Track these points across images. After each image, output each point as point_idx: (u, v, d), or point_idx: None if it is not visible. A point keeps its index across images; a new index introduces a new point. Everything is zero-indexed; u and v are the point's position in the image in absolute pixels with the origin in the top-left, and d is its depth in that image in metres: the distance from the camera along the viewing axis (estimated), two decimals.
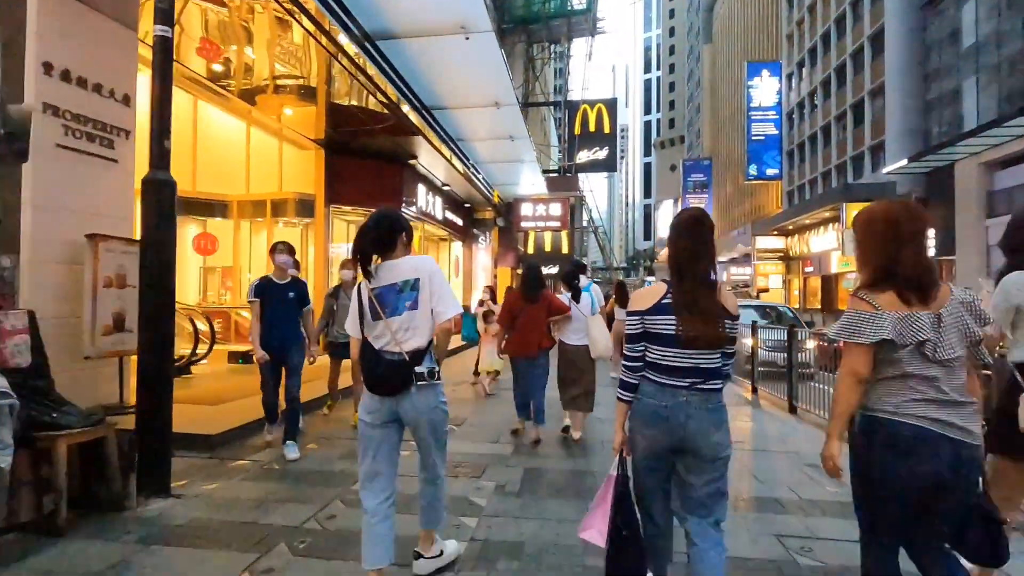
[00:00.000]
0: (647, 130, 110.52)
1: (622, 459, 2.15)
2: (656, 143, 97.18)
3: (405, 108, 8.38)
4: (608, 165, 19.34)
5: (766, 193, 45.57)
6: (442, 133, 10.19)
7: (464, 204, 16.23)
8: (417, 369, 2.36)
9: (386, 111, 8.43)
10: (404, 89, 8.14)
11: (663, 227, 76.29)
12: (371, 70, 7.28)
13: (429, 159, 11.55)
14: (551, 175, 19.44)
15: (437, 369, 2.46)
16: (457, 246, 17.31)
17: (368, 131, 8.98)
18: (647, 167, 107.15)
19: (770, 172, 40.71)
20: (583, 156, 19.17)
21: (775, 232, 36.64)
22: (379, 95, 7.82)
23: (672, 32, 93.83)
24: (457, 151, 11.87)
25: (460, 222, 16.43)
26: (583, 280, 5.32)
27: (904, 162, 22.34)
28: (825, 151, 33.97)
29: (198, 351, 7.65)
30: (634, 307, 2.09)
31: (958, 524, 1.76)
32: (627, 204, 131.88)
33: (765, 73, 40.72)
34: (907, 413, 1.73)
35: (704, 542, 2.01)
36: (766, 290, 37.00)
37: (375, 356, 2.39)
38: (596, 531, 2.09)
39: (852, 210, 25.47)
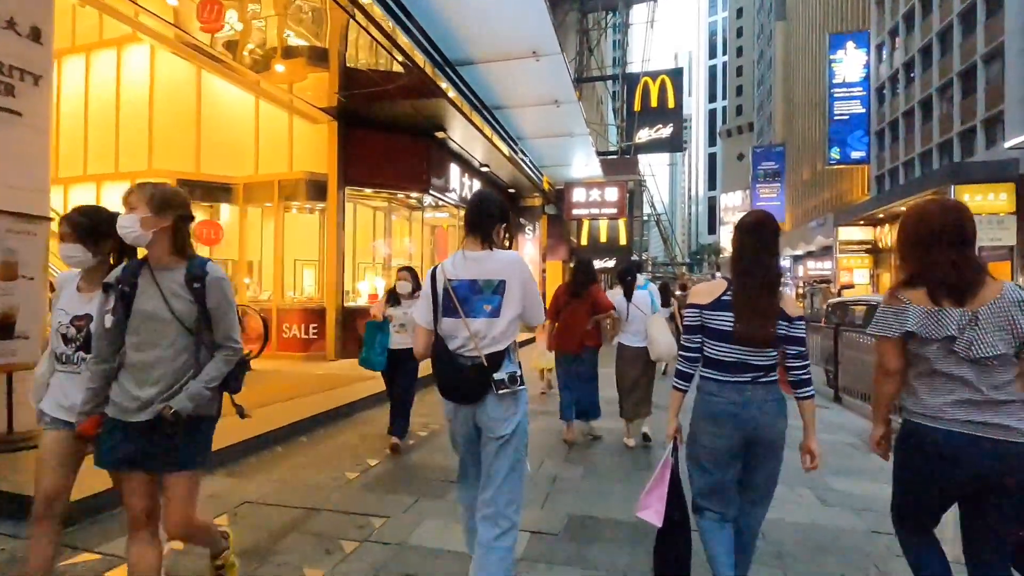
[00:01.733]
0: (711, 119, 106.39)
1: (675, 446, 2.24)
2: (722, 131, 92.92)
3: (422, 60, 6.83)
4: (673, 144, 17.14)
5: (850, 179, 41.34)
6: (470, 95, 8.57)
7: (508, 189, 14.60)
8: (496, 376, 2.07)
9: (402, 69, 6.93)
10: (418, 35, 6.59)
11: (729, 220, 72.65)
12: (378, 13, 5.78)
13: (463, 134, 10.00)
14: (608, 158, 17.49)
15: (519, 373, 2.14)
16: None
17: (384, 92, 7.48)
18: (711, 158, 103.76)
19: (855, 155, 36.73)
20: (644, 135, 17.06)
21: (862, 222, 32.80)
22: (395, 52, 6.33)
23: (740, 13, 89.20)
24: (492, 121, 10.25)
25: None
26: (640, 279, 5.07)
27: None
28: (924, 128, 29.93)
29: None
30: (694, 300, 2.19)
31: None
32: (689, 197, 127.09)
33: (850, 45, 36.71)
34: (938, 417, 1.75)
35: (753, 520, 2.19)
36: (851, 286, 33.38)
37: (448, 357, 2.13)
38: (653, 511, 2.19)
39: (962, 193, 21.91)
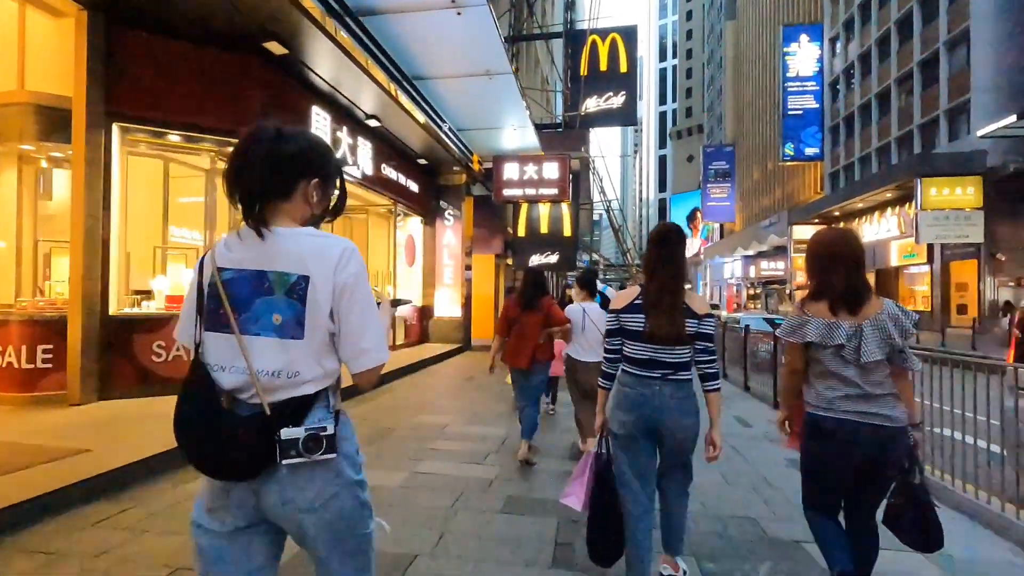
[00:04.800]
0: (662, 121, 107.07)
1: (602, 439, 2.45)
2: (672, 133, 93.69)
3: None
4: (625, 116, 14.35)
5: (801, 177, 40.41)
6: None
7: (420, 160, 11.38)
8: (286, 432, 1.16)
9: None
10: None
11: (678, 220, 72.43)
12: None
13: (331, 62, 6.77)
14: (549, 132, 14.54)
15: (332, 432, 1.20)
16: (413, 224, 12.44)
17: None
18: (662, 160, 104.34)
19: (809, 151, 35.71)
20: (592, 104, 14.20)
21: (816, 220, 31.57)
22: None
23: (690, 15, 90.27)
24: (368, 43, 7.05)
25: (415, 188, 11.56)
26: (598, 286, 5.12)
27: (1011, 119, 17.11)
28: (882, 121, 28.70)
29: None
30: (612, 306, 2.43)
31: (896, 509, 2.15)
32: (640, 199, 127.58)
33: (803, 38, 35.65)
34: (831, 408, 2.10)
35: (674, 504, 2.48)
36: (805, 286, 32.18)
37: (207, 399, 1.19)
38: (575, 498, 2.45)
39: (929, 187, 20.39)
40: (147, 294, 6.31)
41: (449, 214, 12.73)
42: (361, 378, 1.28)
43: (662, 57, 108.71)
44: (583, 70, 14.32)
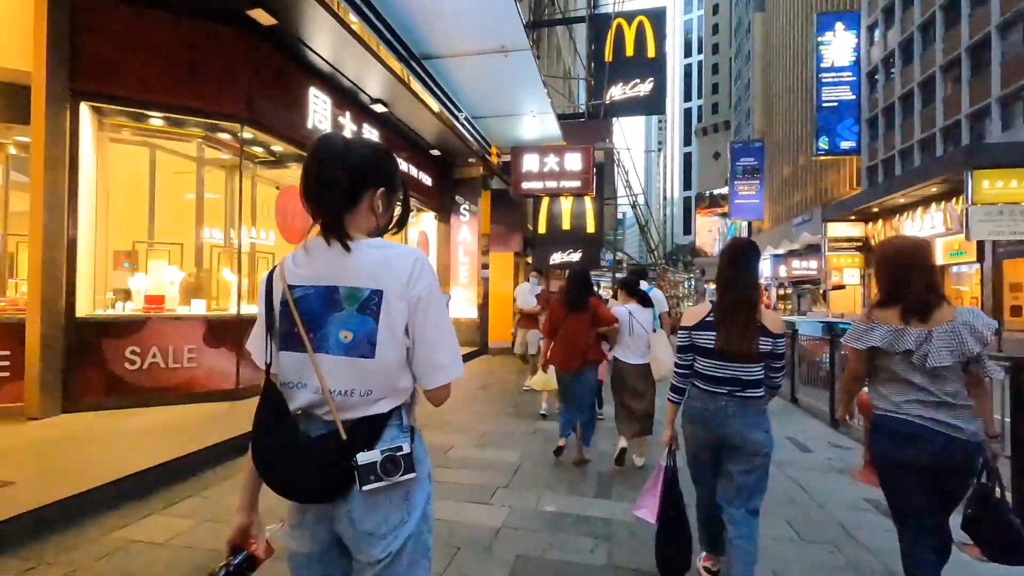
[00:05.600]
0: (687, 118, 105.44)
1: (671, 451, 2.46)
2: (697, 130, 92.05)
3: None
4: (653, 104, 13.41)
5: (836, 172, 38.72)
6: None
7: (432, 151, 10.67)
8: (363, 457, 1.12)
9: None
10: None
11: (703, 220, 71.15)
12: None
13: (331, 38, 6.10)
14: (571, 121, 13.71)
15: (408, 451, 1.17)
16: (426, 220, 11.74)
17: None
18: (687, 157, 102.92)
19: (845, 145, 34.00)
20: (617, 92, 13.32)
21: (853, 217, 30.08)
22: None
23: (716, 9, 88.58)
24: (377, 23, 6.35)
25: (428, 181, 10.86)
26: (644, 285, 4.94)
27: None
28: (925, 112, 27.08)
29: None
30: (684, 323, 2.44)
31: (974, 519, 2.08)
32: (665, 198, 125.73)
33: (839, 27, 33.93)
34: (897, 410, 2.10)
35: (739, 529, 2.29)
36: (841, 286, 30.69)
37: (280, 422, 1.17)
38: (647, 510, 2.45)
39: (981, 179, 18.94)
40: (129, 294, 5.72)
41: (465, 209, 12.00)
42: (436, 394, 1.23)
43: (687, 53, 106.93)
44: (608, 56, 13.44)
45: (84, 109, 5.09)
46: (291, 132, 6.51)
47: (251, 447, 1.18)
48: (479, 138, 10.89)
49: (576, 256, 13.84)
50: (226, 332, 5.70)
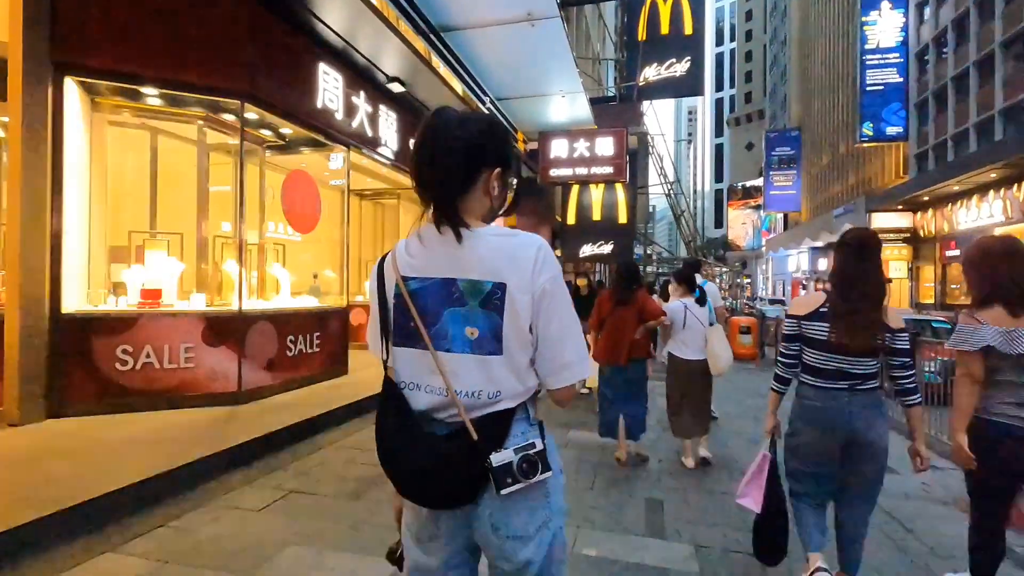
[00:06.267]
0: (718, 109, 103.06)
1: (773, 441, 2.47)
2: (730, 120, 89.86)
3: None
4: (690, 85, 12.52)
5: (880, 160, 36.82)
6: None
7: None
8: (497, 458, 1.05)
9: None
10: None
11: (735, 213, 69.51)
12: None
13: (342, 7, 5.56)
14: (601, 105, 12.94)
15: (541, 447, 1.09)
16: None
17: None
18: (718, 149, 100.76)
19: (891, 131, 32.21)
20: (651, 73, 12.49)
21: (900, 206, 28.50)
22: None
23: None
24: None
25: None
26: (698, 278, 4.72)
27: None
28: (982, 92, 25.26)
29: None
30: (793, 312, 2.37)
31: None
32: (695, 191, 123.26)
33: (885, 5, 32.11)
34: (1003, 414, 2.10)
35: (851, 513, 2.31)
36: (888, 280, 29.05)
37: (403, 421, 1.12)
38: (751, 499, 2.42)
39: None
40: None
41: None
42: (561, 394, 1.15)
43: (718, 41, 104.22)
44: (641, 34, 12.60)
45: (70, 84, 4.63)
46: (299, 112, 5.98)
47: (377, 449, 1.12)
48: (504, 122, 10.23)
49: (607, 248, 13.08)
50: (227, 329, 5.20)
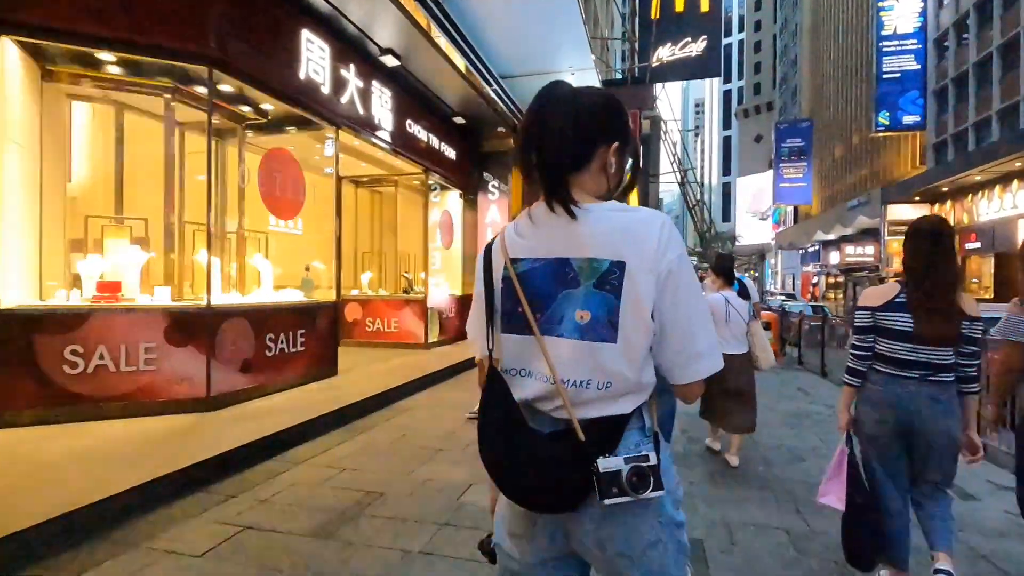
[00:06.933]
0: (726, 101, 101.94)
1: (849, 436, 2.38)
2: (738, 112, 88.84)
3: None
4: (706, 66, 11.80)
5: (896, 150, 35.84)
6: None
7: (456, 119, 9.39)
8: (605, 464, 0.95)
9: None
10: None
11: (743, 204, 68.88)
12: None
13: None
14: (612, 87, 12.23)
15: (656, 459, 0.97)
16: (451, 199, 10.51)
17: None
18: (726, 141, 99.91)
19: (908, 120, 31.28)
20: (665, 53, 11.76)
21: (917, 198, 27.70)
22: None
23: None
24: None
25: (451, 154, 9.61)
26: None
27: None
28: (1005, 80, 24.31)
29: None
30: (866, 303, 2.32)
31: None
32: (702, 184, 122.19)
33: None
34: None
35: (935, 507, 2.29)
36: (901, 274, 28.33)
37: (508, 415, 1.03)
38: (835, 496, 2.32)
39: None
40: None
41: (493, 187, 10.73)
42: (690, 390, 1.05)
43: (727, 33, 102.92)
44: (654, 12, 11.87)
45: (7, 45, 4.01)
46: (277, 83, 5.35)
47: (479, 444, 1.05)
48: (510, 104, 9.56)
49: None
50: (195, 327, 4.60)
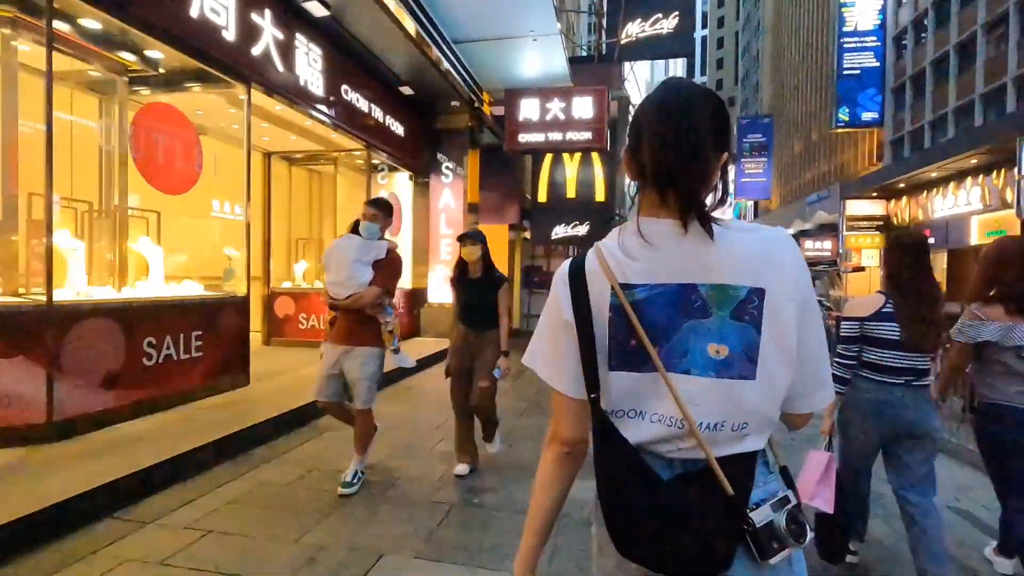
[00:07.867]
0: None
1: (830, 441, 2.47)
2: None
3: None
4: (678, 44, 11.03)
5: (854, 147, 36.51)
6: None
7: (403, 89, 8.33)
8: (758, 517, 0.83)
9: None
10: None
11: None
12: None
13: None
14: (578, 65, 11.39)
15: (796, 500, 0.90)
16: (399, 180, 9.44)
17: None
18: None
19: (867, 116, 31.63)
20: (634, 29, 10.94)
21: (875, 194, 28.14)
22: None
23: None
24: None
25: (399, 130, 8.54)
26: None
27: None
28: (962, 77, 24.72)
29: None
30: (853, 314, 2.44)
31: None
32: None
33: None
34: (1010, 400, 2.28)
35: (926, 515, 2.35)
36: (861, 268, 28.88)
37: (639, 469, 0.88)
38: (823, 499, 2.28)
39: None
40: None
41: (447, 168, 9.70)
42: (804, 419, 0.97)
43: None
44: None
45: None
46: (157, 19, 4.19)
47: (605, 510, 0.88)
48: (466, 76, 8.55)
49: (583, 230, 11.64)
50: (30, 332, 3.47)
